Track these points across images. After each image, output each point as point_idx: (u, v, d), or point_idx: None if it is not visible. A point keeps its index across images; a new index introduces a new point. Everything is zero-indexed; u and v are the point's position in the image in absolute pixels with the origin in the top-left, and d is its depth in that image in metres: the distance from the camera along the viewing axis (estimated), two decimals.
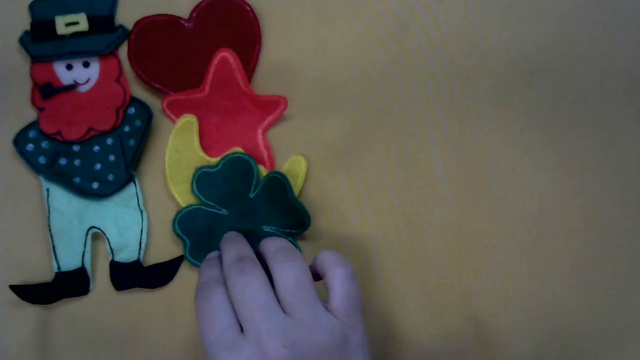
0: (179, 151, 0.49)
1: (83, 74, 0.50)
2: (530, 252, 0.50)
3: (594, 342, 0.50)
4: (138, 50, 0.50)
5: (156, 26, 0.50)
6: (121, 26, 0.50)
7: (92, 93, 0.49)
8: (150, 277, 0.49)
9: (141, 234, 0.49)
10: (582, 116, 0.52)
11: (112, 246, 0.49)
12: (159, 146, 0.50)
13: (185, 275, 0.49)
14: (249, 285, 0.39)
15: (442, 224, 0.50)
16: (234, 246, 0.43)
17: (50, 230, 0.48)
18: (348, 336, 0.39)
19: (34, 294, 0.48)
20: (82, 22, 0.49)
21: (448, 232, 0.50)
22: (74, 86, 0.49)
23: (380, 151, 0.51)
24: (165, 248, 0.49)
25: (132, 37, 0.50)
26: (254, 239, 0.49)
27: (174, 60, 0.50)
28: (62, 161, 0.49)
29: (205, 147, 0.50)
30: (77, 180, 0.49)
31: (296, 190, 0.49)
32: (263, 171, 0.49)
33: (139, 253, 0.49)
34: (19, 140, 0.49)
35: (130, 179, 0.49)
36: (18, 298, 0.47)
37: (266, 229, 0.49)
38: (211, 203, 0.49)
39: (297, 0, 0.51)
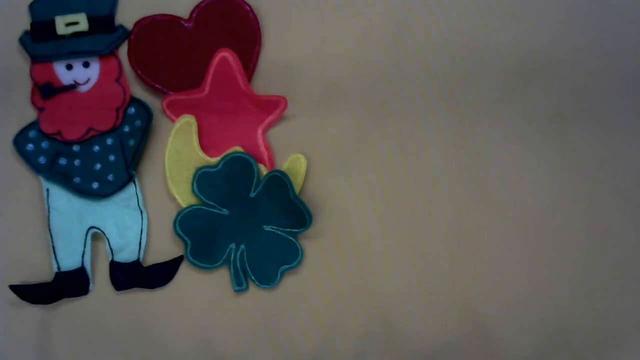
0: (179, 152, 0.49)
1: (83, 74, 0.50)
2: (530, 252, 0.50)
3: (594, 342, 0.50)
4: (138, 50, 0.50)
5: (156, 26, 0.50)
6: (121, 26, 0.50)
7: (92, 93, 0.49)
8: (150, 277, 0.49)
9: (141, 234, 0.49)
10: (583, 116, 0.52)
11: (112, 246, 0.49)
12: (159, 146, 0.50)
13: (185, 275, 0.49)
14: None
15: (442, 224, 0.50)
16: None
17: (50, 230, 0.48)
18: None
19: (34, 294, 0.48)
20: (82, 22, 0.49)
21: (448, 232, 0.50)
22: (74, 86, 0.49)
23: (380, 151, 0.51)
24: (165, 248, 0.49)
25: (132, 37, 0.50)
26: (255, 239, 0.49)
27: (174, 60, 0.50)
28: (62, 161, 0.49)
29: (205, 147, 0.50)
30: (77, 180, 0.49)
31: (297, 189, 0.49)
32: (263, 170, 0.49)
33: (139, 253, 0.49)
34: (19, 140, 0.49)
35: (130, 179, 0.49)
36: (18, 298, 0.48)
37: (267, 228, 0.49)
38: (212, 203, 0.49)
39: (297, 1, 0.51)
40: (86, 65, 0.50)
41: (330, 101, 0.51)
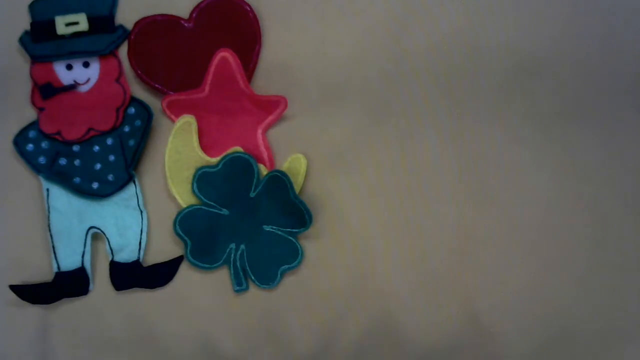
0: (179, 152, 0.49)
1: (83, 74, 0.50)
2: (530, 252, 0.50)
3: (594, 343, 0.50)
4: (138, 50, 0.50)
5: (156, 26, 0.50)
6: (121, 26, 0.50)
7: (92, 93, 0.49)
8: (150, 277, 0.49)
9: (141, 234, 0.49)
10: (583, 116, 0.52)
11: (112, 246, 0.49)
12: (159, 146, 0.50)
13: (185, 275, 0.49)
14: None
15: (442, 224, 0.50)
16: None
17: (50, 230, 0.48)
18: None
19: (34, 294, 0.48)
20: (82, 22, 0.49)
21: (448, 232, 0.50)
22: (74, 86, 0.49)
23: (380, 151, 0.51)
24: (165, 248, 0.49)
25: (132, 37, 0.50)
26: (255, 239, 0.49)
27: (174, 60, 0.50)
28: (62, 161, 0.49)
29: (205, 147, 0.50)
30: (77, 180, 0.49)
31: (297, 189, 0.49)
32: (263, 170, 0.49)
33: (139, 253, 0.49)
34: (19, 140, 0.49)
35: (130, 179, 0.49)
36: (18, 298, 0.48)
37: (267, 228, 0.49)
38: (212, 203, 0.49)
39: (297, 1, 0.51)
40: (86, 65, 0.50)
41: (330, 101, 0.51)
